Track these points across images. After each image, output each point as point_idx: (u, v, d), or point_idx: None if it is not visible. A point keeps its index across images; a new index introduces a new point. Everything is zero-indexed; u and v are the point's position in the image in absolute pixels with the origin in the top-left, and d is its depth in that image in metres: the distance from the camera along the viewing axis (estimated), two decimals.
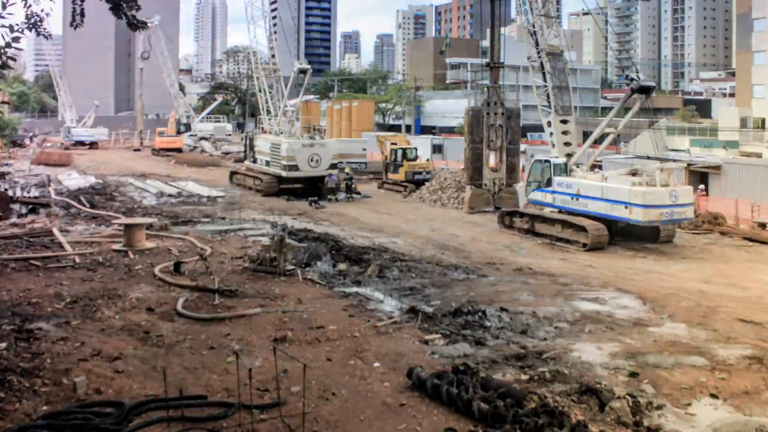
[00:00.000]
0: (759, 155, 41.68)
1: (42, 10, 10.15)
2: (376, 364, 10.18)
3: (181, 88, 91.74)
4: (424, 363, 10.09)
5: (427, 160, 39.51)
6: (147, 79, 75.51)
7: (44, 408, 8.02)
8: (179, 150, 60.99)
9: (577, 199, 22.22)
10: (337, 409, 8.52)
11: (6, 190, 29.32)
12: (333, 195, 32.37)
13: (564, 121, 23.91)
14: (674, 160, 34.88)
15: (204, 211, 27.66)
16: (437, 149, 52.73)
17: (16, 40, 8.75)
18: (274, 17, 37.61)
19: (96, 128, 70.53)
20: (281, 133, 34.98)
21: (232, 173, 39.41)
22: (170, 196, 32.79)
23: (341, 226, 24.41)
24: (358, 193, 33.90)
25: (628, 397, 8.81)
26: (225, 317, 12.42)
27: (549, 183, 23.38)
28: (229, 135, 73.88)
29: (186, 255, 17.44)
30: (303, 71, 34.58)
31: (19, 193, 29.98)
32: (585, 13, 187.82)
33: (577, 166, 23.27)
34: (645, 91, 22.11)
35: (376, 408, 8.63)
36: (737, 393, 9.60)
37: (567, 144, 23.78)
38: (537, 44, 24.00)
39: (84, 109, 73.57)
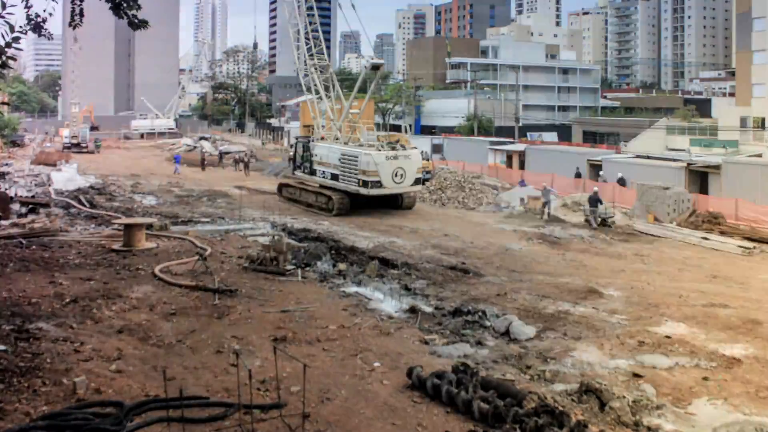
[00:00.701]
0: (759, 155, 41.66)
1: (45, 11, 10.14)
2: (376, 364, 10.18)
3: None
4: (424, 363, 10.09)
5: (427, 160, 39.49)
6: (147, 79, 75.64)
7: (44, 408, 8.00)
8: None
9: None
10: (337, 409, 8.51)
11: (6, 190, 29.27)
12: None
13: None
14: (674, 160, 34.94)
15: (204, 211, 27.67)
16: (437, 149, 52.75)
17: (16, 40, 8.73)
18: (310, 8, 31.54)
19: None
20: (337, 139, 29.69)
21: (281, 185, 32.37)
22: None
23: (341, 226, 24.41)
24: None
25: (627, 397, 8.81)
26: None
27: None
28: (172, 130, 73.90)
29: (186, 255, 17.43)
30: (376, 67, 30.21)
31: (21, 193, 29.95)
32: (585, 13, 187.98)
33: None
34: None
35: (376, 408, 8.62)
36: (737, 393, 9.60)
37: None
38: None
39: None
